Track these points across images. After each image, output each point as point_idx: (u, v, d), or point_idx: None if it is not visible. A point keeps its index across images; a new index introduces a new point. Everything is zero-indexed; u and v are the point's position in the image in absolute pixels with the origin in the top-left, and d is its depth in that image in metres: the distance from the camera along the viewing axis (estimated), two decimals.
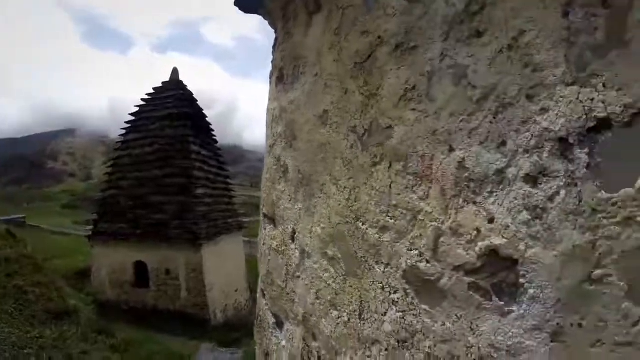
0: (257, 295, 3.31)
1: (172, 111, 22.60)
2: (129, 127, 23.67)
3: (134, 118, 23.68)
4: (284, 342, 2.71)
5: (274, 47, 2.94)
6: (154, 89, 24.07)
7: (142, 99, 23.88)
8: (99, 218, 22.98)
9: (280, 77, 2.75)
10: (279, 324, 2.80)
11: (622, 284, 1.07)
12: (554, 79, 1.20)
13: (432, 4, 1.56)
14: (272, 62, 2.98)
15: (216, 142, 25.39)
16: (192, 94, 24.59)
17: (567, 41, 1.17)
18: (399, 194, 1.72)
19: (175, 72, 24.38)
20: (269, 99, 3.02)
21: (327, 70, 2.17)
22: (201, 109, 24.77)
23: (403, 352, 1.71)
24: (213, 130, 25.26)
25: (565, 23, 1.17)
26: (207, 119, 25.07)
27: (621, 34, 1.06)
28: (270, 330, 2.93)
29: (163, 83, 24.04)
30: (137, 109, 23.86)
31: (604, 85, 1.09)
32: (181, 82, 24.23)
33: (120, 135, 24.26)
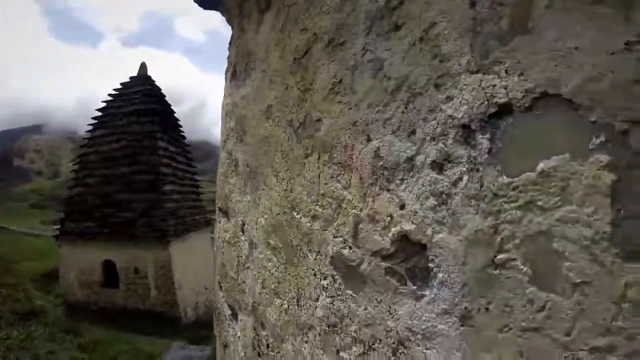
0: (215, 288, 3.32)
1: (140, 107, 21.98)
2: (96, 123, 22.91)
3: (101, 114, 22.91)
4: (239, 333, 2.72)
5: (230, 43, 2.96)
6: (121, 84, 23.37)
7: (110, 95, 23.15)
8: (65, 217, 22.15)
9: (234, 73, 2.78)
10: (235, 315, 2.81)
11: (525, 268, 1.08)
12: (459, 67, 1.21)
13: (358, 1, 1.59)
14: (227, 58, 3.00)
15: (184, 137, 24.82)
16: (160, 89, 23.90)
17: (473, 31, 1.18)
18: (326, 184, 1.74)
19: (143, 66, 23.74)
20: (224, 95, 3.04)
21: (272, 66, 2.19)
22: (169, 105, 24.15)
23: (333, 337, 1.73)
24: (181, 126, 24.65)
25: (472, 13, 1.19)
26: (175, 114, 24.49)
27: (525, 22, 1.07)
28: (227, 322, 2.93)
29: (131, 78, 23.36)
30: (105, 104, 23.08)
31: (506, 72, 1.10)
32: (149, 77, 23.58)
33: (87, 131, 23.47)
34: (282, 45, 2.08)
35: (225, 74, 3.02)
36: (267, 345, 2.27)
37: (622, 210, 0.90)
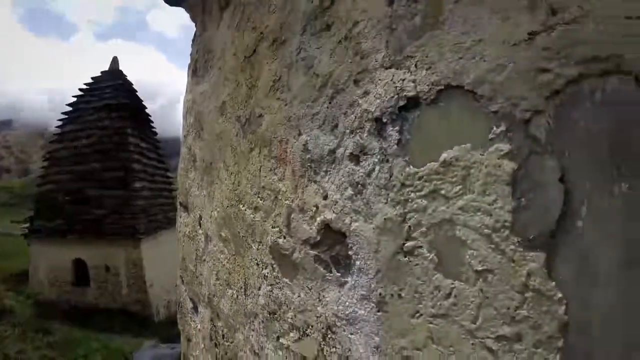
0: (177, 282, 3.33)
1: (111, 102, 21.26)
2: (66, 119, 22.09)
3: (71, 109, 22.13)
4: (199, 325, 2.74)
5: (193, 40, 2.96)
6: (92, 78, 22.55)
7: (80, 89, 22.35)
8: (35, 215, 21.34)
9: (195, 70, 2.80)
10: (195, 308, 2.83)
11: (431, 256, 1.11)
12: (375, 63, 1.26)
13: (297, 0, 1.62)
14: (190, 54, 3.01)
15: (156, 133, 23.95)
16: (131, 83, 23.10)
17: (389, 28, 1.22)
18: (265, 177, 1.78)
19: (115, 61, 22.96)
20: (185, 91, 3.05)
21: (227, 63, 2.21)
22: (141, 100, 23.34)
23: (274, 324, 1.77)
24: (153, 122, 23.85)
25: (389, 11, 1.22)
26: (146, 109, 23.64)
27: (436, 17, 1.10)
28: (190, 316, 2.95)
29: (102, 72, 22.58)
30: (76, 99, 22.26)
31: (415, 66, 1.14)
32: (121, 71, 22.83)
33: (57, 126, 22.65)
34: (236, 43, 2.10)
35: (188, 70, 3.03)
36: (223, 336, 2.30)
37: (522, 199, 0.94)
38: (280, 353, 1.73)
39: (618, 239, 0.80)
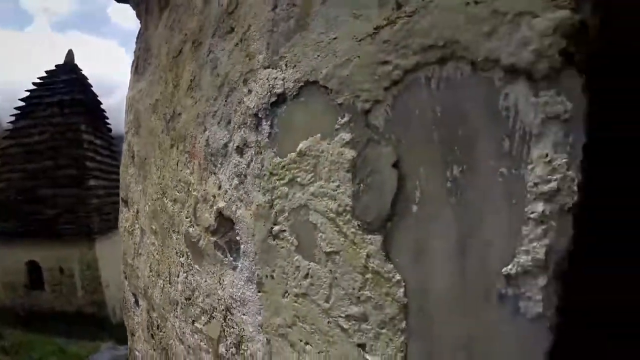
0: (121, 278, 3.15)
1: (64, 97, 17.77)
2: (19, 114, 18.43)
3: (24, 104, 18.46)
4: (138, 319, 2.57)
5: (137, 38, 2.81)
6: (46, 72, 18.85)
7: (34, 83, 18.64)
8: None
9: (136, 68, 2.60)
10: (137, 302, 2.63)
11: (292, 239, 1.05)
12: (258, 64, 1.17)
13: (211, 4, 1.53)
14: (134, 52, 2.84)
15: (110, 130, 20.25)
16: (86, 78, 19.32)
17: (270, 31, 1.14)
18: (181, 170, 1.67)
19: (70, 54, 19.12)
20: (128, 88, 2.84)
21: (161, 63, 2.06)
22: (96, 95, 19.58)
23: (189, 309, 1.66)
24: (107, 118, 20.06)
25: (272, 15, 1.14)
26: (102, 105, 19.91)
27: (305, 18, 1.03)
28: (132, 310, 2.74)
29: (57, 66, 18.80)
30: (29, 93, 18.62)
31: (285, 65, 1.07)
32: (76, 65, 19.01)
33: (9, 122, 18.79)
34: (169, 43, 1.97)
35: (131, 67, 2.86)
36: (157, 326, 2.15)
37: (361, 185, 0.87)
38: (196, 336, 1.63)
39: (450, 222, 0.73)
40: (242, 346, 1.32)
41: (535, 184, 0.62)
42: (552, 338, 0.63)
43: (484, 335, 0.70)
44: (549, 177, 0.62)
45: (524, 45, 0.63)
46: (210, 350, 1.53)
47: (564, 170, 0.60)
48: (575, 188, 0.60)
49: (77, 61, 19.63)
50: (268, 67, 1.14)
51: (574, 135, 0.60)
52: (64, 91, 18.06)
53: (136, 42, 2.80)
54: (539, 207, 0.62)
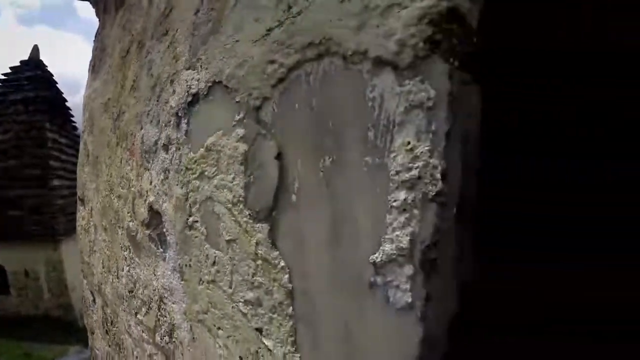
0: (81, 277, 3.04)
1: (29, 94, 16.29)
2: None
3: None
4: (95, 316, 2.46)
5: (95, 36, 2.72)
6: (10, 68, 17.10)
7: None
8: None
9: (93, 66, 2.48)
10: (94, 300, 2.51)
11: (203, 229, 1.04)
12: (181, 65, 1.15)
13: (153, 7, 1.50)
14: (92, 50, 2.76)
15: (75, 128, 17.77)
16: (52, 75, 17.68)
17: (192, 34, 1.12)
18: (124, 167, 1.62)
19: (35, 50, 17.48)
20: (85, 87, 2.73)
21: (115, 62, 2.00)
22: (61, 92, 17.92)
23: (132, 301, 1.61)
24: (73, 116, 18.19)
25: (194, 19, 1.12)
26: (67, 103, 18.02)
27: (219, 22, 1.01)
28: (91, 308, 2.60)
29: (21, 62, 17.12)
30: None
31: (201, 67, 1.05)
32: (41, 61, 17.42)
33: None
34: (121, 43, 1.92)
35: (89, 66, 2.80)
36: (111, 322, 2.08)
37: (251, 176, 0.86)
38: (139, 328, 1.60)
39: (324, 212, 0.72)
40: (174, 334, 1.31)
41: (397, 173, 0.61)
42: (422, 329, 0.61)
43: (359, 324, 0.69)
44: (410, 165, 0.60)
45: (389, 37, 0.61)
46: (150, 340, 1.50)
47: (426, 158, 0.58)
48: (438, 176, 0.58)
49: (44, 57, 17.69)
50: (188, 69, 1.12)
51: (436, 122, 0.58)
52: (28, 88, 16.55)
53: (94, 41, 2.70)
54: (402, 195, 0.60)
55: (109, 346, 2.18)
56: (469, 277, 0.71)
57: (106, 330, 2.19)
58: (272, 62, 0.81)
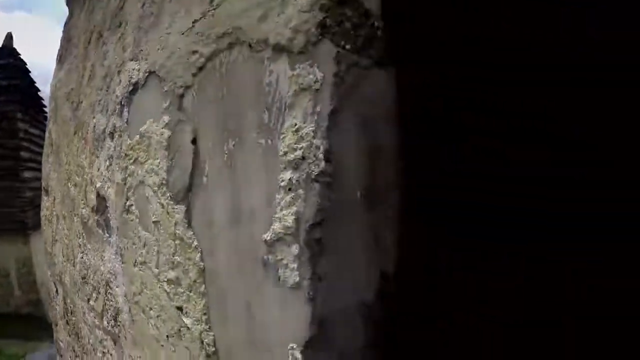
0: (45, 268, 3.04)
1: (1, 83, 14.94)
2: None
3: None
4: (58, 307, 2.45)
5: (64, 26, 2.73)
6: None
7: None
8: None
9: (60, 56, 2.46)
10: (57, 291, 2.49)
11: (137, 212, 1.08)
12: (127, 56, 1.20)
13: None
14: (60, 40, 2.77)
15: (47, 119, 17.91)
16: (25, 63, 16.15)
17: (138, 27, 1.17)
18: (79, 156, 1.66)
19: (9, 37, 15.86)
20: (52, 77, 2.80)
21: (80, 52, 2.04)
22: (34, 82, 16.33)
23: (85, 287, 1.65)
24: (45, 106, 15.36)
25: (141, 12, 1.16)
26: (40, 92, 16.29)
27: (159, 14, 1.06)
28: (54, 300, 2.58)
29: None
30: None
31: (141, 58, 1.10)
32: (14, 49, 15.91)
33: None
34: (86, 33, 1.97)
35: (56, 56, 2.81)
36: (71, 312, 2.09)
37: (172, 160, 0.92)
38: (91, 314, 1.63)
39: (227, 192, 0.78)
40: (119, 318, 1.35)
41: (285, 153, 0.65)
42: (311, 309, 0.64)
43: (258, 302, 0.74)
44: (295, 145, 0.64)
45: (287, 24, 0.66)
46: (100, 325, 1.54)
47: (309, 138, 0.62)
48: (321, 156, 0.61)
49: (19, 45, 17.40)
50: (132, 60, 1.17)
51: (322, 104, 0.62)
52: (0, 77, 15.09)
53: (62, 31, 2.69)
54: (288, 175, 0.65)
55: (69, 336, 2.19)
56: (389, 266, 0.75)
57: (67, 321, 2.20)
58: (195, 52, 0.86)
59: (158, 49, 1.01)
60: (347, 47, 0.63)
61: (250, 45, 0.73)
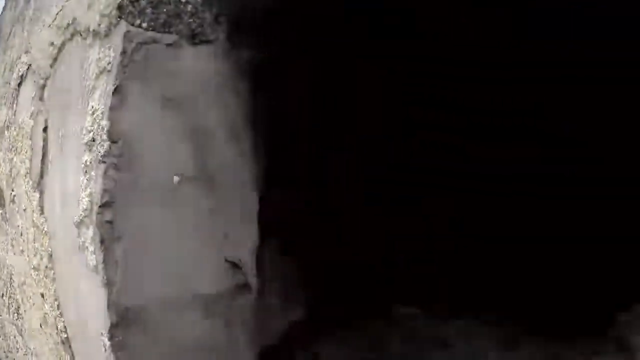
0: None
1: None
2: None
3: None
4: None
5: None
6: None
7: None
8: None
9: None
10: None
11: (18, 201, 1.10)
12: (23, 49, 1.20)
13: None
14: None
15: None
16: None
17: (30, 21, 1.19)
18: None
19: None
20: None
21: (8, 44, 2.08)
22: None
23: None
24: None
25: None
26: None
27: (41, 9, 1.08)
28: None
29: None
30: None
31: (26, 52, 1.12)
32: None
33: None
34: (7, 27, 2.00)
35: None
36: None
37: (32, 149, 0.95)
38: (4, 310, 1.64)
39: (59, 177, 0.80)
40: (20, 310, 1.35)
41: (84, 135, 0.66)
42: (107, 294, 0.62)
43: (79, 285, 0.75)
44: (90, 127, 0.65)
45: (98, 10, 0.68)
46: (9, 318, 1.54)
47: (99, 120, 0.63)
48: (105, 137, 0.62)
49: None
50: (25, 53, 1.19)
51: (108, 84, 0.63)
52: None
53: None
54: (85, 157, 0.66)
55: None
56: (242, 255, 0.76)
57: None
58: (52, 43, 0.90)
59: (35, 44, 1.04)
60: (143, 25, 0.63)
61: (81, 34, 0.76)
